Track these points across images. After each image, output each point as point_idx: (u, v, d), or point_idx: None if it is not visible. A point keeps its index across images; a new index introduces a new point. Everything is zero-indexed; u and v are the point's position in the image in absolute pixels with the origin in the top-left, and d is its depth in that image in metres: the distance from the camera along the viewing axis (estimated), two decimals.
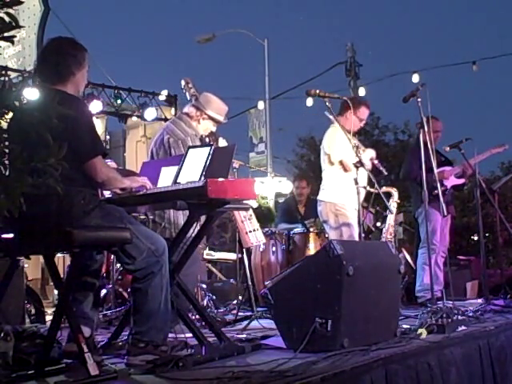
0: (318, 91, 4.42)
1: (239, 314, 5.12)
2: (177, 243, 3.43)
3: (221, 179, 3.08)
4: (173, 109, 9.66)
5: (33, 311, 4.78)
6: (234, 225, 5.28)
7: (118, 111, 8.97)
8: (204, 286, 5.75)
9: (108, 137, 10.98)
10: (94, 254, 3.16)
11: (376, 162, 5.08)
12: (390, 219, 5.73)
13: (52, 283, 5.76)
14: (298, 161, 20.15)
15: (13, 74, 7.13)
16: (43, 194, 2.21)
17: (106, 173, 2.96)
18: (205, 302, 5.46)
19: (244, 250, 5.29)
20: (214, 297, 5.90)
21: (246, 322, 4.62)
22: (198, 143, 4.33)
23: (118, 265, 5.53)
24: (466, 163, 5.89)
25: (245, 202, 3.50)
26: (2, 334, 2.98)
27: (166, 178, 3.34)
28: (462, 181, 6.10)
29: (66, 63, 3.01)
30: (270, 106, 15.68)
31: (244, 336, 3.95)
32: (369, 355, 3.00)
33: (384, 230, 5.69)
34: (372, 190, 4.88)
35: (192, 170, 3.23)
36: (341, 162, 4.96)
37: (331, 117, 4.86)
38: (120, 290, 5.75)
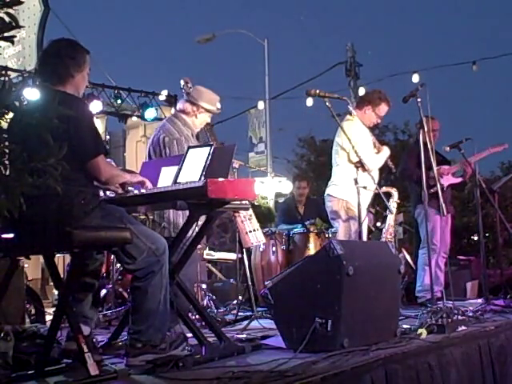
0: (318, 91, 4.41)
1: (239, 313, 5.12)
2: (177, 243, 3.43)
3: (221, 179, 3.08)
4: (173, 109, 9.63)
5: (33, 311, 4.78)
6: (234, 225, 5.28)
7: (118, 111, 8.98)
8: (204, 286, 5.76)
9: (108, 137, 10.98)
10: (93, 254, 3.16)
11: (388, 159, 5.14)
12: (390, 219, 5.72)
13: (52, 283, 5.76)
14: (298, 161, 20.17)
15: (13, 74, 7.14)
16: (43, 194, 2.21)
17: (109, 171, 2.98)
18: (205, 302, 5.46)
19: (244, 249, 5.29)
20: (214, 297, 5.90)
21: (245, 322, 4.62)
22: (194, 142, 4.33)
23: (118, 265, 5.53)
24: (464, 161, 5.90)
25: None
26: (2, 334, 2.98)
27: (165, 178, 3.34)
28: (459, 180, 6.10)
29: (64, 65, 3.01)
30: (270, 106, 15.69)
31: (244, 336, 3.95)
32: (369, 355, 3.00)
33: (384, 230, 5.68)
34: (372, 190, 4.87)
35: (192, 169, 3.23)
36: (360, 161, 4.81)
37: (351, 108, 4.87)
38: (120, 289, 5.75)
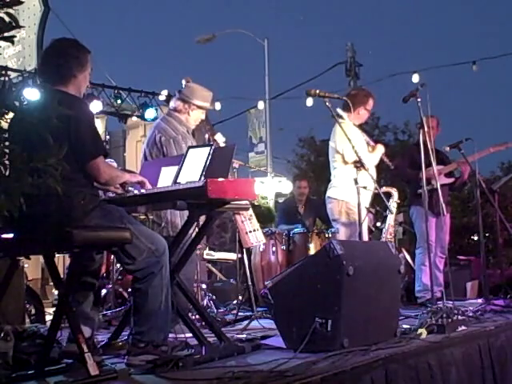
0: (318, 91, 4.41)
1: (239, 313, 5.12)
2: (176, 243, 3.43)
3: (221, 179, 3.08)
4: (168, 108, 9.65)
5: (33, 311, 4.78)
6: (234, 225, 5.28)
7: (118, 111, 8.97)
8: (204, 286, 5.75)
9: (108, 137, 10.98)
10: (93, 254, 3.16)
11: (384, 157, 5.22)
12: (390, 219, 5.73)
13: (52, 283, 5.76)
14: (298, 161, 20.15)
15: (13, 74, 7.14)
16: (43, 194, 2.22)
17: (108, 172, 2.97)
18: (205, 302, 5.46)
19: (244, 249, 5.29)
20: (214, 297, 5.90)
21: (245, 322, 4.62)
22: (190, 140, 4.32)
23: (118, 265, 5.53)
24: (459, 161, 5.91)
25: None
26: (2, 334, 2.98)
27: (165, 178, 3.34)
28: (451, 180, 6.10)
29: (67, 65, 3.00)
30: (270, 106, 15.68)
31: (244, 336, 3.95)
32: (369, 355, 2.99)
33: (384, 230, 5.68)
34: (372, 190, 4.88)
35: (192, 170, 3.23)
36: (355, 162, 4.85)
37: (345, 114, 4.94)
38: (120, 290, 5.75)
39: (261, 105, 15.32)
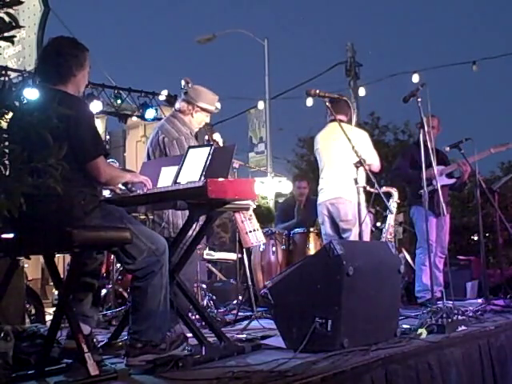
0: (317, 91, 4.41)
1: (239, 313, 5.12)
2: (177, 243, 3.43)
3: (221, 179, 3.08)
4: (173, 109, 9.64)
5: (33, 311, 4.78)
6: (233, 225, 5.28)
7: (118, 111, 8.98)
8: (204, 286, 5.75)
9: (108, 137, 10.97)
10: (93, 254, 3.16)
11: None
12: (390, 219, 5.73)
13: (52, 283, 5.76)
14: (298, 161, 20.12)
15: (13, 74, 7.14)
16: (43, 194, 2.21)
17: (109, 172, 2.97)
18: (205, 302, 5.46)
19: (244, 249, 5.29)
20: (214, 297, 5.90)
21: (246, 322, 4.62)
22: (193, 141, 4.32)
23: (118, 265, 5.53)
24: (460, 162, 5.91)
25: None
26: (2, 334, 2.98)
27: (165, 178, 3.34)
28: (452, 181, 6.10)
29: (67, 64, 2.99)
30: (270, 106, 15.69)
31: (244, 336, 3.95)
32: (369, 355, 3.00)
33: (384, 230, 5.68)
34: (372, 189, 4.87)
35: (192, 170, 3.23)
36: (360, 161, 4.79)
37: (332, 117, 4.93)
38: (120, 289, 5.76)
39: (261, 105, 15.33)
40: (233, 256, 6.48)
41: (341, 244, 3.26)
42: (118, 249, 2.94)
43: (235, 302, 5.78)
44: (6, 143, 2.13)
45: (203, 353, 3.11)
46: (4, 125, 2.22)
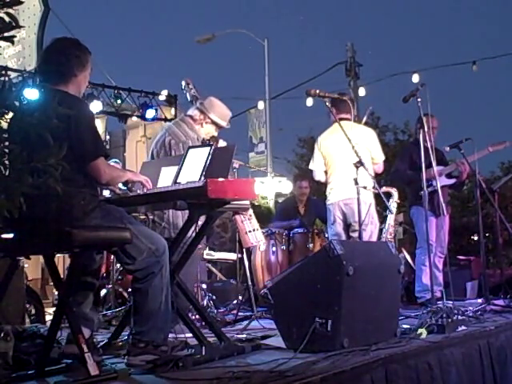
0: (317, 91, 4.41)
1: (239, 313, 5.12)
2: (177, 243, 3.43)
3: (221, 179, 3.08)
4: (173, 109, 9.65)
5: (33, 311, 4.78)
6: (233, 225, 5.28)
7: (118, 111, 8.97)
8: (204, 286, 5.75)
9: (108, 137, 10.98)
10: (93, 254, 3.16)
11: None
12: (390, 219, 5.73)
13: (52, 283, 5.76)
14: (298, 161, 20.11)
15: (13, 74, 7.13)
16: (43, 194, 2.21)
17: (109, 173, 2.97)
18: (205, 302, 5.46)
19: (244, 249, 5.29)
20: (214, 297, 5.90)
21: (246, 322, 4.62)
22: None
23: (118, 265, 5.53)
24: (458, 161, 5.90)
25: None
26: (2, 334, 2.98)
27: (165, 178, 3.34)
28: (452, 181, 6.09)
29: (68, 64, 3.00)
30: (270, 106, 15.70)
31: (244, 336, 3.95)
32: (369, 355, 2.99)
33: (384, 230, 5.68)
34: (372, 190, 4.87)
35: (192, 170, 3.23)
36: (360, 161, 4.73)
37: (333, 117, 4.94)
38: (120, 290, 5.75)
39: (261, 105, 15.34)
40: (233, 256, 6.48)
41: (341, 244, 3.26)
42: (117, 249, 2.94)
43: (235, 301, 5.78)
44: (6, 143, 2.13)
45: (203, 353, 3.11)
46: (4, 125, 2.22)
